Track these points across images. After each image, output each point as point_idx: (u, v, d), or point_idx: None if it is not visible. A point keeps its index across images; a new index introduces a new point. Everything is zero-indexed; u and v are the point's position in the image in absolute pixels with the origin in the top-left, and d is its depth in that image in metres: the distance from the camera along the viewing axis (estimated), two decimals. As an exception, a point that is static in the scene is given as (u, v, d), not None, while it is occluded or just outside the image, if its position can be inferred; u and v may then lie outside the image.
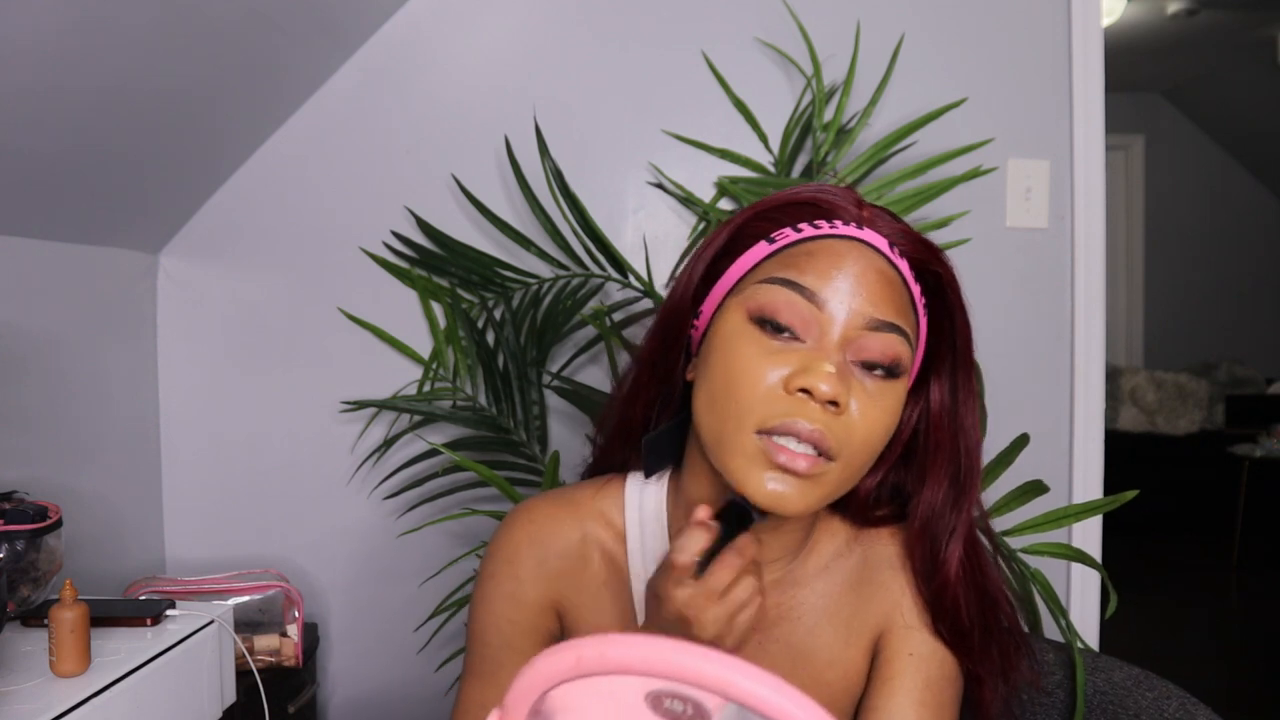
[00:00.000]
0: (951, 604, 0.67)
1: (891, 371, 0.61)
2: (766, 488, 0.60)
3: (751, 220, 0.65)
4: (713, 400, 0.62)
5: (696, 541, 0.59)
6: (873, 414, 0.61)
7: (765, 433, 0.59)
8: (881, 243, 0.63)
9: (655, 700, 0.39)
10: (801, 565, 0.72)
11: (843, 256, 0.61)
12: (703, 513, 0.61)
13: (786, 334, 0.60)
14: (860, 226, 0.63)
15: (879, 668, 0.70)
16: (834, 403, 0.58)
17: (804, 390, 0.59)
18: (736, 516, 0.61)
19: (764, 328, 0.61)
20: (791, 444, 0.59)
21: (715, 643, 0.59)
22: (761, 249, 0.64)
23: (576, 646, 0.40)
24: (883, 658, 0.70)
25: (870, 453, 0.62)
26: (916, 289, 0.64)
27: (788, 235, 0.63)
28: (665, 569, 0.60)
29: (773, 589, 0.72)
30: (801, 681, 0.69)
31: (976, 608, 0.68)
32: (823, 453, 0.59)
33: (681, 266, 0.75)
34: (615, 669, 0.39)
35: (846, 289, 0.60)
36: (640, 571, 0.72)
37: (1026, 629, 0.75)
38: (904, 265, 0.63)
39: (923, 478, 0.67)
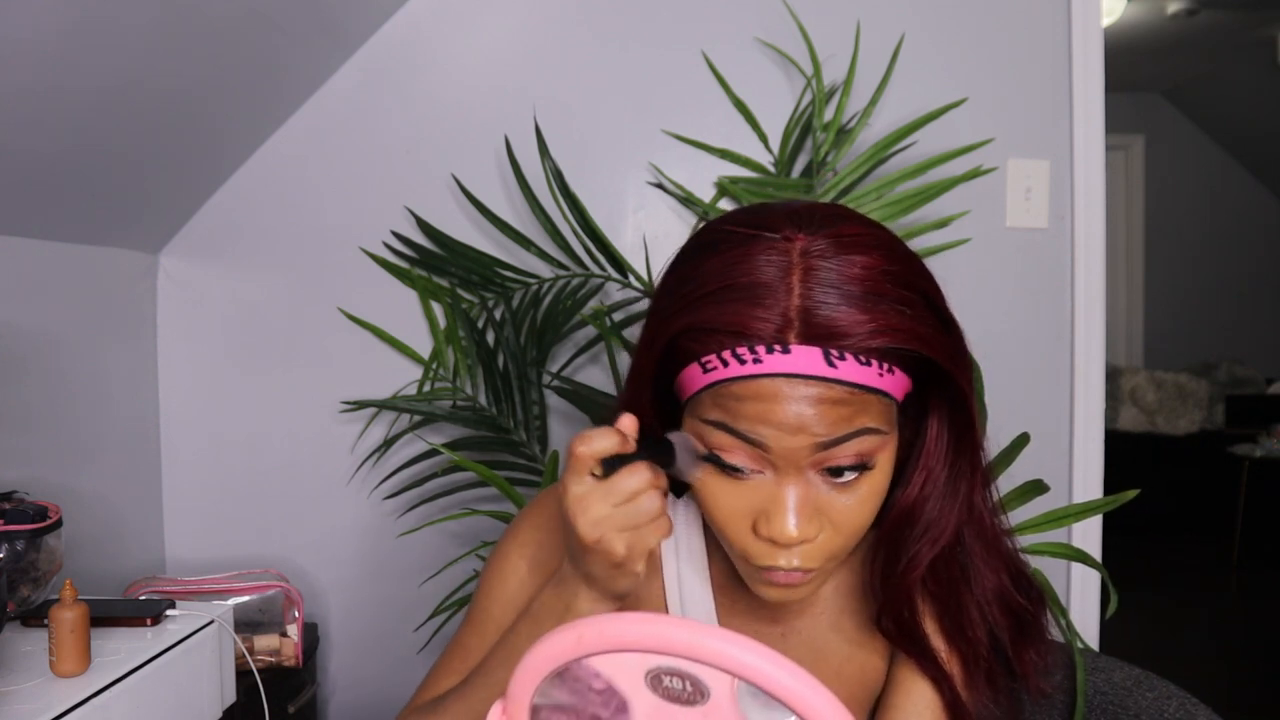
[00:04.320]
0: (901, 610, 0.66)
1: (863, 466, 0.58)
2: (772, 595, 0.61)
3: (678, 338, 0.58)
4: (702, 509, 0.63)
5: (606, 441, 0.57)
6: (852, 513, 0.59)
7: (753, 566, 0.60)
8: (814, 360, 0.54)
9: (655, 679, 0.39)
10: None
11: (771, 400, 0.55)
12: (628, 421, 0.59)
13: (741, 471, 0.58)
14: (786, 348, 0.54)
15: (897, 666, 0.70)
16: (804, 540, 0.58)
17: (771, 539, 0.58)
18: (663, 456, 0.58)
19: (720, 467, 0.58)
20: (779, 574, 0.59)
21: (601, 548, 0.57)
22: (697, 374, 0.57)
23: (576, 626, 0.40)
24: (900, 658, 0.70)
25: (862, 531, 0.61)
26: (871, 370, 0.55)
27: (716, 367, 0.56)
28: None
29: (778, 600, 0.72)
30: (821, 677, 0.68)
31: (950, 622, 0.67)
32: (811, 570, 0.60)
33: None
34: (615, 646, 0.39)
35: (784, 432, 0.55)
36: (672, 561, 0.73)
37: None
38: (849, 368, 0.54)
39: (903, 481, 0.64)
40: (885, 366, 0.56)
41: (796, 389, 0.54)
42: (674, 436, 0.59)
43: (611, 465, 0.57)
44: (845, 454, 0.56)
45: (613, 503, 0.56)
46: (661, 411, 0.65)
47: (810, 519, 0.57)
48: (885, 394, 0.56)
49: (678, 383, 0.60)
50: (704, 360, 0.57)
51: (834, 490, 0.58)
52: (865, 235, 0.57)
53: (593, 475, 0.57)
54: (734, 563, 0.63)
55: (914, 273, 0.58)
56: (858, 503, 0.58)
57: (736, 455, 0.57)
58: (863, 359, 0.55)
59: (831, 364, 0.54)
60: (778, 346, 0.54)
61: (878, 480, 0.59)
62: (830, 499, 0.58)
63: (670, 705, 0.40)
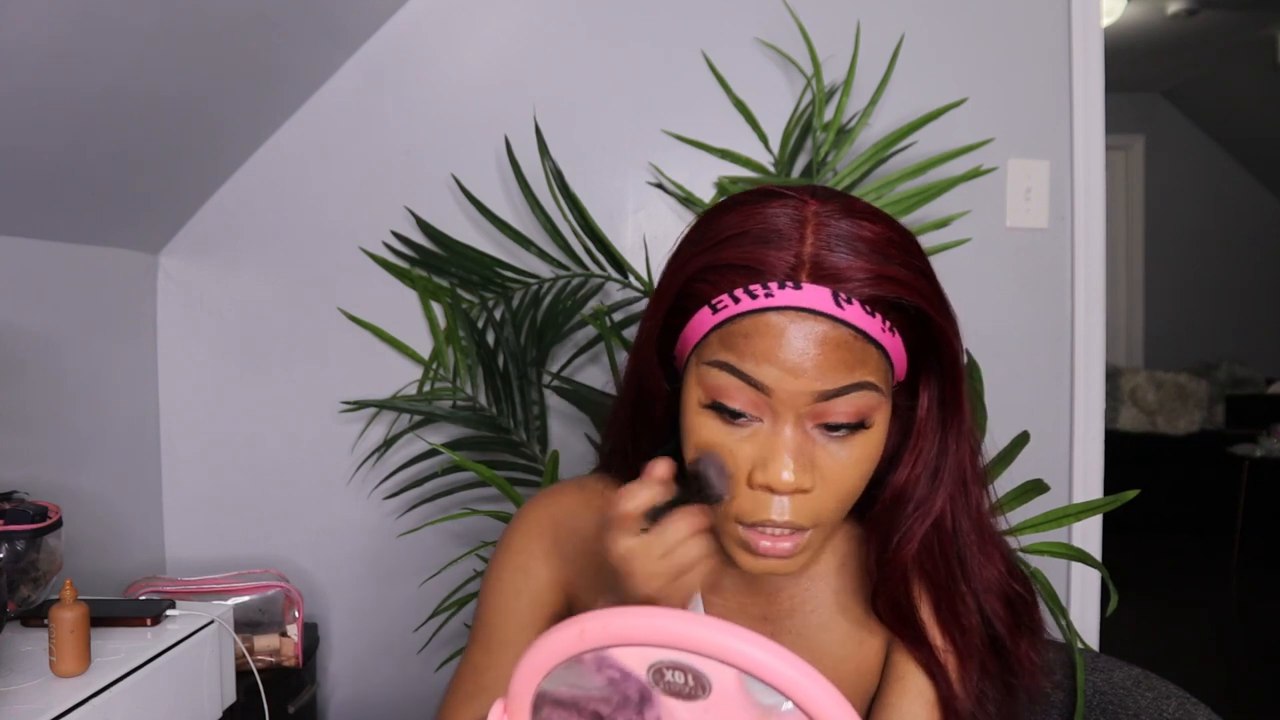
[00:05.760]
0: (897, 590, 0.67)
1: (859, 425, 0.59)
2: (758, 565, 0.61)
3: (692, 281, 0.60)
4: None
5: (648, 493, 0.59)
6: (845, 471, 0.60)
7: (743, 524, 0.60)
8: (823, 298, 0.56)
9: (657, 673, 0.39)
10: (816, 560, 0.72)
11: (779, 336, 0.56)
12: (662, 468, 0.61)
13: (741, 417, 0.59)
14: (798, 285, 0.56)
15: (891, 666, 0.70)
16: (799, 489, 0.59)
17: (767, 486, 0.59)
18: (699, 487, 0.59)
19: (720, 413, 0.59)
20: (769, 531, 0.60)
21: (653, 601, 0.58)
22: (706, 317, 0.59)
23: (579, 620, 0.40)
24: (894, 656, 0.70)
25: (853, 496, 0.62)
26: (875, 321, 0.58)
27: (727, 305, 0.58)
28: (612, 519, 0.60)
29: (788, 583, 0.72)
30: None
31: (946, 609, 0.67)
32: (800, 528, 0.60)
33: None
34: (618, 640, 0.39)
35: (788, 371, 0.56)
36: None
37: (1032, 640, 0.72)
38: (855, 312, 0.57)
39: (894, 463, 0.66)
40: (888, 325, 0.58)
41: (804, 325, 0.57)
42: (700, 462, 0.60)
43: (655, 514, 0.58)
44: (844, 408, 0.58)
45: (661, 555, 0.58)
46: (664, 370, 0.66)
47: (806, 469, 0.58)
48: (885, 352, 0.59)
49: (683, 336, 0.62)
50: (715, 301, 0.59)
51: (831, 443, 0.59)
52: (873, 210, 0.61)
53: (642, 528, 0.58)
54: (721, 534, 0.63)
55: (916, 248, 0.62)
56: (852, 461, 0.60)
57: (737, 399, 0.58)
58: (868, 309, 0.57)
59: (839, 305, 0.57)
60: (790, 283, 0.57)
61: (872, 442, 0.60)
62: (826, 453, 0.59)
63: (671, 700, 0.40)
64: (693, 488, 0.59)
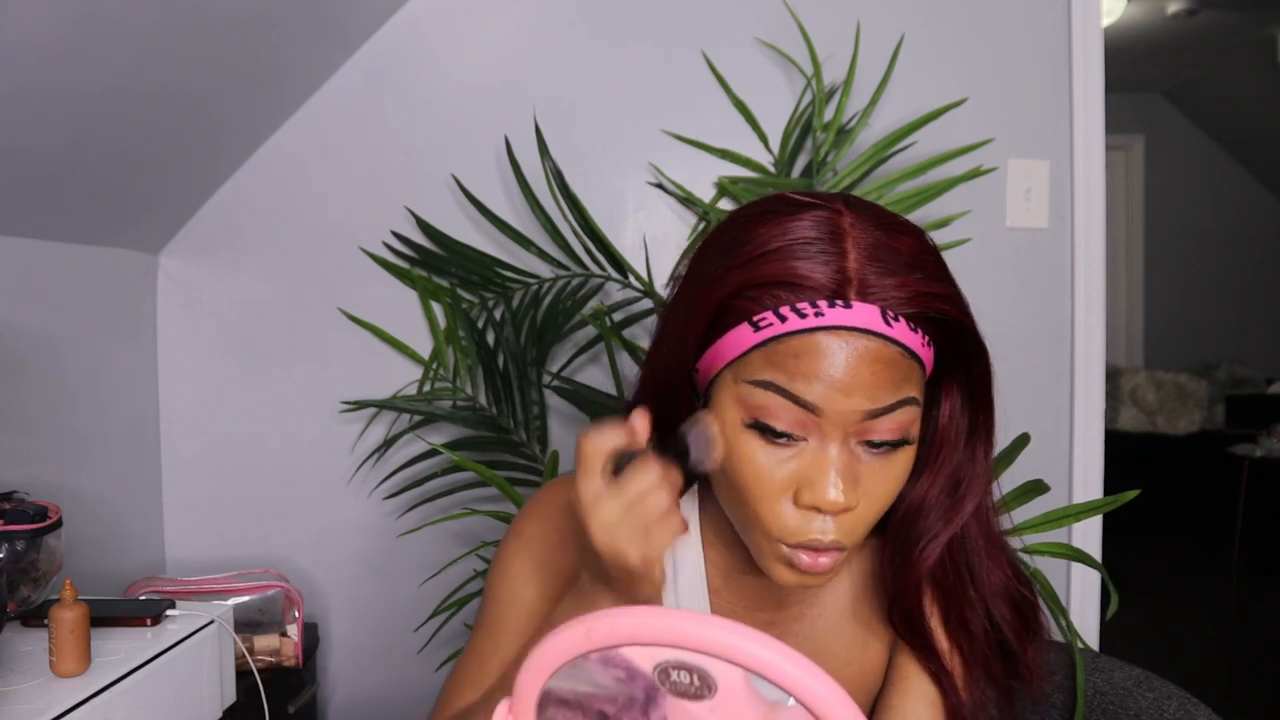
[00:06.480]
0: (913, 600, 0.67)
1: (902, 441, 0.58)
2: (796, 580, 0.61)
3: (731, 298, 0.58)
4: (723, 491, 0.62)
5: (612, 436, 0.57)
6: (886, 485, 0.59)
7: (787, 544, 0.59)
8: (873, 317, 0.55)
9: (663, 673, 0.39)
10: None
11: (831, 356, 0.55)
12: (640, 420, 0.59)
13: (785, 437, 0.57)
14: (848, 303, 0.55)
15: (894, 668, 0.70)
16: (846, 508, 0.58)
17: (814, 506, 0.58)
18: (678, 451, 0.57)
19: (762, 432, 0.57)
20: (809, 553, 0.59)
21: (615, 555, 0.56)
22: (746, 333, 0.57)
23: (584, 620, 0.40)
24: (898, 659, 0.70)
25: (885, 509, 0.61)
26: (918, 337, 0.57)
27: (771, 323, 0.56)
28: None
29: (798, 588, 0.72)
30: None
31: (954, 616, 0.67)
32: (843, 547, 0.59)
33: (661, 322, 0.66)
34: (624, 639, 0.39)
35: (839, 392, 0.55)
36: (669, 560, 0.72)
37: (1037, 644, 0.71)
38: (901, 329, 0.56)
39: (914, 475, 0.65)
40: (926, 338, 0.58)
41: (856, 343, 0.55)
42: (686, 427, 0.58)
43: (622, 462, 0.56)
44: (889, 425, 0.57)
45: (623, 504, 0.56)
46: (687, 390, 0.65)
47: (852, 487, 0.58)
48: (924, 366, 0.59)
49: (714, 351, 0.60)
50: (757, 318, 0.57)
51: (874, 460, 0.59)
52: (901, 220, 0.61)
53: (606, 474, 0.57)
54: (755, 548, 0.62)
55: (943, 260, 0.62)
56: (891, 476, 0.59)
57: (782, 419, 0.57)
58: (911, 325, 0.57)
59: (888, 323, 0.56)
60: (839, 301, 0.55)
61: (910, 456, 0.60)
62: (869, 469, 0.59)
63: (677, 700, 0.40)
64: (672, 450, 0.57)
